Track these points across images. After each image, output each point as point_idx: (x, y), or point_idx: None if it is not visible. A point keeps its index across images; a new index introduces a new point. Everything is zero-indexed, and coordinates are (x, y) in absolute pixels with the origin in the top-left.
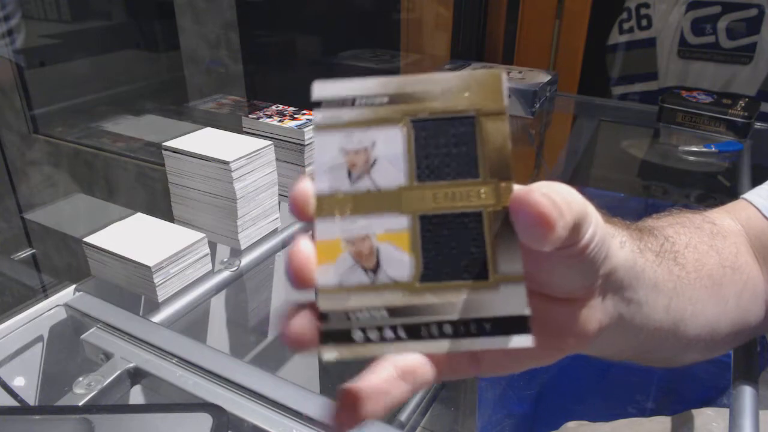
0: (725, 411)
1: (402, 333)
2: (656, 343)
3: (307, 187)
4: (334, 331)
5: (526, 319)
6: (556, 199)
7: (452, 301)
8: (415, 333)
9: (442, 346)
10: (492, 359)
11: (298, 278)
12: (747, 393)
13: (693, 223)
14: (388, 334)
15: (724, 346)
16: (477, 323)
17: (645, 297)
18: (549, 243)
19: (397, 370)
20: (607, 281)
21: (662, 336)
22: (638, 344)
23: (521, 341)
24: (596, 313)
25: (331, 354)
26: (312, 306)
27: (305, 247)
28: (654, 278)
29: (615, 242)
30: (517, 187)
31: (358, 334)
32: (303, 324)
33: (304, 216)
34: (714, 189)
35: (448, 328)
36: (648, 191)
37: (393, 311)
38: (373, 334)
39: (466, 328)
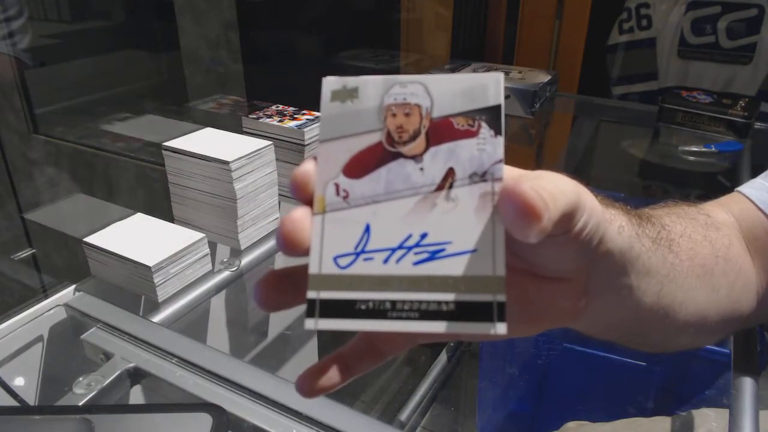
0: (725, 411)
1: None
2: (645, 326)
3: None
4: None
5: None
6: (543, 193)
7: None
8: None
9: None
10: None
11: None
12: (747, 392)
13: (688, 214)
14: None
15: (714, 335)
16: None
17: (637, 282)
18: (534, 235)
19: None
20: (600, 264)
21: (652, 320)
22: (627, 326)
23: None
24: (584, 293)
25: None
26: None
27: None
28: (648, 264)
29: (613, 227)
30: (506, 175)
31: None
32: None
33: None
34: (714, 189)
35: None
36: (648, 191)
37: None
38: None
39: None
